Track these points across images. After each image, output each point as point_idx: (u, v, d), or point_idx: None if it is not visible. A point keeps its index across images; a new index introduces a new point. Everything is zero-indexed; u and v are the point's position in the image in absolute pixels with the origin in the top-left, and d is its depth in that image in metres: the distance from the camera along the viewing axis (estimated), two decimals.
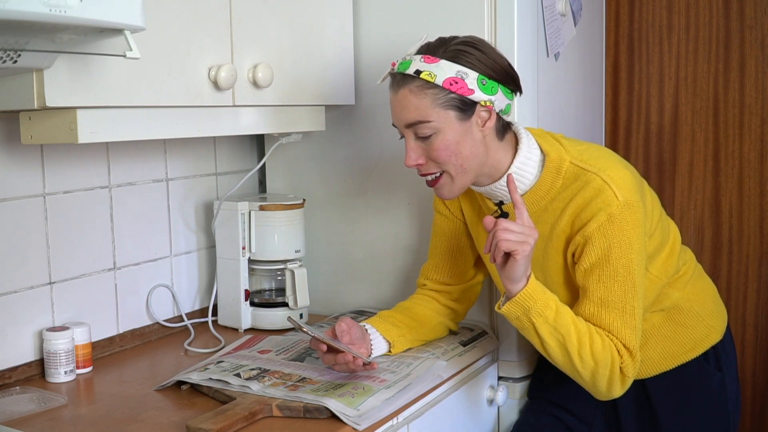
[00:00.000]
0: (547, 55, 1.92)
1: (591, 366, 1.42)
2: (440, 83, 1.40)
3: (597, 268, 1.44)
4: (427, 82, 1.41)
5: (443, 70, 1.40)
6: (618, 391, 1.46)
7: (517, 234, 1.35)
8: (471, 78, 1.41)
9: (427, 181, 1.50)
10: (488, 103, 1.42)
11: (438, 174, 1.48)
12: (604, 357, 1.42)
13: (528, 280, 1.40)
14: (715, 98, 2.41)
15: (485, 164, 1.48)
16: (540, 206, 1.51)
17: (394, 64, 1.47)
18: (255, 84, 1.64)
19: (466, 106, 1.42)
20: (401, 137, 1.50)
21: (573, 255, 1.49)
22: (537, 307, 1.40)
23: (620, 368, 1.43)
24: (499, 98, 1.44)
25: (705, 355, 1.64)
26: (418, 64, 1.42)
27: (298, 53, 1.78)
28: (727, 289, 2.41)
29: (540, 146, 1.51)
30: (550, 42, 1.91)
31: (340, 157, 2.03)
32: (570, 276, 1.53)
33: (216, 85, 1.54)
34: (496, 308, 1.45)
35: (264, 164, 2.12)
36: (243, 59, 1.62)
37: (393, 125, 1.50)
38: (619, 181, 1.44)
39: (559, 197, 1.48)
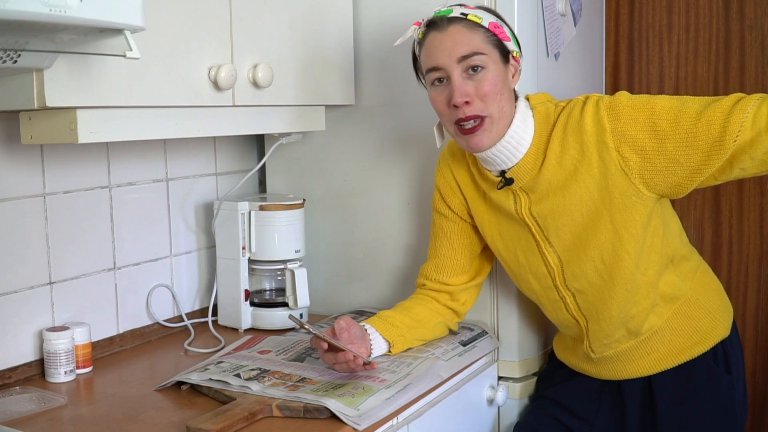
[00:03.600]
0: (547, 55, 1.92)
1: None
2: (486, 25, 1.48)
3: (667, 137, 1.42)
4: (475, 22, 1.48)
5: (485, 16, 1.49)
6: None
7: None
8: (506, 28, 1.51)
9: (465, 129, 1.48)
10: (517, 55, 1.52)
11: (480, 118, 1.48)
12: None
13: None
14: None
15: (510, 116, 1.52)
16: (540, 158, 1.52)
17: (419, 23, 1.52)
18: (255, 84, 1.64)
19: (505, 52, 1.50)
20: (434, 82, 1.50)
21: (629, 171, 1.47)
22: None
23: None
24: (521, 57, 1.54)
25: (713, 353, 1.62)
26: (461, 9, 1.50)
27: (298, 53, 1.78)
28: (727, 289, 2.40)
29: (532, 107, 1.57)
30: (550, 42, 1.91)
31: (340, 157, 2.03)
32: (596, 206, 1.50)
33: (216, 85, 1.54)
34: None
35: (264, 164, 2.12)
36: (243, 59, 1.62)
37: (431, 69, 1.49)
38: (600, 95, 1.52)
39: (555, 136, 1.51)
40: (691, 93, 2.43)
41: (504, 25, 1.51)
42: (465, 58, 1.46)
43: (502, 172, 1.55)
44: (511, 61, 1.51)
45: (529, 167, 1.52)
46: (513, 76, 1.52)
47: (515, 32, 1.55)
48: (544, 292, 1.64)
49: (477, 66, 1.46)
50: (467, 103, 1.47)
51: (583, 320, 1.63)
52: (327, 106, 1.95)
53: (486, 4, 1.77)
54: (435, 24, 1.49)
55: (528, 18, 1.81)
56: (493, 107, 1.47)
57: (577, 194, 1.51)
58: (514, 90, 1.56)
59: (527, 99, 1.58)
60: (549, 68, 1.93)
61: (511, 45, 1.50)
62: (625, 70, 2.51)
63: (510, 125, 1.52)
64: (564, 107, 1.54)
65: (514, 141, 1.51)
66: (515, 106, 1.54)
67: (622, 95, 1.48)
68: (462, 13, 1.48)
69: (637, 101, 1.46)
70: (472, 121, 1.48)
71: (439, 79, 1.49)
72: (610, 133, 1.45)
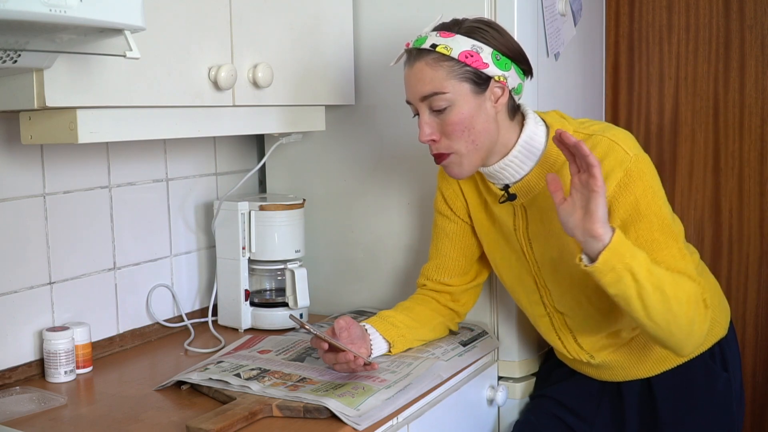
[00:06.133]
0: (547, 55, 1.92)
1: (685, 307, 1.38)
2: (456, 56, 1.42)
3: (632, 227, 1.43)
4: (443, 54, 1.43)
5: (459, 44, 1.43)
6: (705, 329, 1.44)
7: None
8: (486, 52, 1.43)
9: (435, 158, 1.50)
10: (502, 79, 1.45)
11: (448, 153, 1.48)
12: (693, 295, 1.39)
13: (606, 242, 1.31)
14: (715, 98, 2.41)
15: (496, 142, 1.49)
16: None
17: (408, 44, 1.49)
18: (255, 84, 1.64)
19: (480, 80, 1.44)
20: (414, 115, 1.51)
21: None
22: (630, 250, 1.34)
23: (704, 300, 1.42)
24: (512, 75, 1.46)
25: (711, 352, 1.62)
26: (434, 38, 1.44)
27: (298, 53, 1.78)
28: (727, 289, 2.41)
29: (544, 121, 1.53)
30: (550, 42, 1.91)
31: (340, 157, 2.03)
32: None
33: (216, 85, 1.54)
34: (582, 267, 1.34)
35: (264, 164, 2.12)
36: (243, 59, 1.62)
37: (407, 102, 1.51)
38: (626, 140, 1.46)
39: (567, 165, 1.48)
40: (691, 93, 2.44)
41: (486, 47, 1.43)
42: (426, 98, 1.45)
43: (506, 186, 1.55)
44: (493, 86, 1.45)
45: (533, 184, 1.52)
46: (498, 100, 1.46)
47: (510, 48, 1.46)
48: (531, 307, 1.65)
49: (439, 105, 1.44)
50: (433, 140, 1.47)
51: (568, 339, 1.63)
52: (327, 106, 1.95)
53: (485, 6, 1.77)
54: (408, 55, 1.48)
55: (528, 18, 1.81)
56: (460, 144, 1.45)
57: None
58: (519, 106, 1.53)
59: (540, 116, 1.55)
60: (549, 68, 1.93)
61: (491, 70, 1.43)
62: (625, 70, 2.52)
63: (515, 144, 1.50)
64: (586, 138, 1.47)
65: (518, 161, 1.51)
66: (521, 124, 1.51)
67: (648, 173, 1.44)
68: (432, 45, 1.43)
69: (652, 191, 1.43)
70: (440, 154, 1.49)
71: (416, 113, 1.50)
72: (609, 186, 1.42)
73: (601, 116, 2.47)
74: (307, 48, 1.80)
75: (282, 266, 1.94)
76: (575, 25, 2.08)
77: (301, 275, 1.90)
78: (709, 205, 2.44)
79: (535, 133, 1.51)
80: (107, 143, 1.76)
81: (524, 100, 1.56)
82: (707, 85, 2.42)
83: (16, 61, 1.16)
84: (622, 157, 1.43)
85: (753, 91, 2.36)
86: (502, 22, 1.76)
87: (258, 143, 2.21)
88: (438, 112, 1.45)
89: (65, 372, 1.58)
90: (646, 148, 2.46)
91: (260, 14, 1.66)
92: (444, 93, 1.43)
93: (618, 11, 2.50)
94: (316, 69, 1.83)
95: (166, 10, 1.44)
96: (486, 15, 1.78)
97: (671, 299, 1.36)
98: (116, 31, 1.11)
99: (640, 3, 2.47)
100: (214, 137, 2.06)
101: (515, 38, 1.70)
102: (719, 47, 2.39)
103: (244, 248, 1.92)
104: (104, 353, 1.76)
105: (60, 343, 1.57)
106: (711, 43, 2.40)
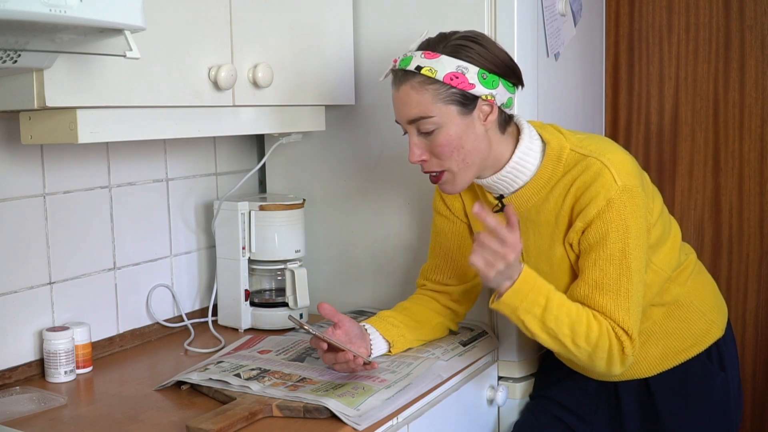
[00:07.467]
0: (547, 55, 1.92)
1: (587, 351, 1.43)
2: (441, 78, 1.41)
3: (593, 251, 1.45)
4: (428, 77, 1.42)
5: (444, 66, 1.41)
6: (618, 369, 1.46)
7: (489, 253, 1.35)
8: (471, 72, 1.42)
9: (430, 178, 1.51)
10: (489, 97, 1.43)
11: (440, 170, 1.49)
12: (601, 341, 1.42)
13: (514, 279, 1.40)
14: (715, 98, 2.41)
15: (488, 158, 1.49)
16: (541, 195, 1.51)
17: (395, 61, 1.47)
18: (255, 84, 1.64)
19: (467, 101, 1.43)
20: (404, 133, 1.51)
21: (572, 238, 1.49)
22: (524, 305, 1.41)
23: (622, 349, 1.44)
24: (500, 92, 1.45)
25: (708, 352, 1.63)
26: (418, 60, 1.43)
27: (298, 53, 1.78)
28: (727, 289, 2.41)
29: (541, 136, 1.53)
30: (550, 42, 1.91)
31: (340, 157, 2.03)
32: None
33: (216, 85, 1.54)
34: (489, 304, 1.46)
35: (264, 164, 2.12)
36: (243, 59, 1.62)
37: (396, 122, 1.51)
38: (618, 165, 1.45)
39: (560, 184, 1.49)
40: (691, 93, 2.43)
41: (472, 66, 1.41)
42: (413, 121, 1.45)
43: (501, 196, 1.55)
44: (480, 104, 1.44)
45: (526, 198, 1.52)
46: (486, 118, 1.45)
47: (497, 63, 1.44)
48: None
49: (426, 128, 1.44)
50: (423, 161, 1.48)
51: None
52: (327, 106, 1.95)
53: (486, 6, 1.77)
54: (394, 76, 1.47)
55: (528, 18, 1.81)
56: (451, 162, 1.46)
57: (553, 242, 1.52)
58: (513, 119, 1.52)
59: (535, 128, 1.54)
60: (549, 68, 1.93)
61: (478, 90, 1.41)
62: (625, 70, 2.52)
63: (508, 160, 1.50)
64: (581, 159, 1.48)
65: (511, 176, 1.51)
66: (515, 135, 1.51)
67: (629, 207, 1.44)
68: (417, 67, 1.41)
69: (625, 227, 1.43)
70: (433, 173, 1.49)
71: (405, 131, 1.50)
72: (589, 211, 1.45)
73: (601, 116, 2.47)
74: (307, 48, 1.80)
75: (282, 266, 1.94)
76: (575, 25, 2.09)
77: (301, 275, 1.90)
78: (709, 205, 2.44)
79: (529, 149, 1.51)
80: (107, 143, 1.76)
81: (524, 101, 1.57)
82: (707, 85, 2.42)
83: (16, 61, 1.16)
84: (609, 185, 1.43)
85: (753, 91, 2.36)
86: (502, 22, 1.77)
87: (258, 143, 2.21)
88: (426, 134, 1.45)
89: (65, 372, 1.58)
90: (646, 148, 2.50)
91: (260, 14, 1.66)
92: (430, 117, 1.43)
93: (618, 11, 2.50)
94: (316, 69, 1.83)
95: (166, 10, 1.44)
96: (486, 15, 1.78)
97: (568, 345, 1.43)
98: (116, 31, 1.11)
99: (640, 3, 2.47)
100: (214, 137, 2.06)
101: (514, 39, 1.70)
102: (719, 47, 2.39)
103: (244, 248, 1.92)
104: (104, 353, 1.76)
105: (60, 343, 1.57)
106: (711, 43, 2.40)
